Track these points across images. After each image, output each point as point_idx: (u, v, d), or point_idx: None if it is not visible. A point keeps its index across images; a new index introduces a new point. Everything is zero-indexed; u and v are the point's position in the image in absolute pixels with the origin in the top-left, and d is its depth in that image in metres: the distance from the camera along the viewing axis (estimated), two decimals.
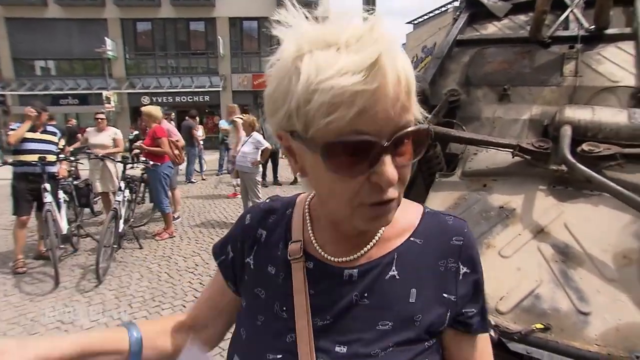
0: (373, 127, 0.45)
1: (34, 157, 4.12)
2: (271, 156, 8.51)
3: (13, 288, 3.85)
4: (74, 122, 13.59)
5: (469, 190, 1.67)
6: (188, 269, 4.35)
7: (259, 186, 5.82)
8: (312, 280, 0.60)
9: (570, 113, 1.65)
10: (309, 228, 0.64)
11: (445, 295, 0.59)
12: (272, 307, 0.62)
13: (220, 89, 20.11)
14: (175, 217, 6.08)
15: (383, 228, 0.61)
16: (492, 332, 1.10)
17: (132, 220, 5.32)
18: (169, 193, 5.57)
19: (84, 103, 20.04)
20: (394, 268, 0.59)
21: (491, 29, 2.65)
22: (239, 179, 6.04)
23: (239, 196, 6.35)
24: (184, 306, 3.48)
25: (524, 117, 1.91)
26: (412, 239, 0.62)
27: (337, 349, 0.55)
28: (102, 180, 5.34)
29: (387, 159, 0.46)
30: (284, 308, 0.60)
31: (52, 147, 4.36)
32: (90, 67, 20.38)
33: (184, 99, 20.32)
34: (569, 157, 1.46)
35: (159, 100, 19.94)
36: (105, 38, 18.74)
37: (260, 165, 9.35)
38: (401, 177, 0.49)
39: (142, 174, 5.56)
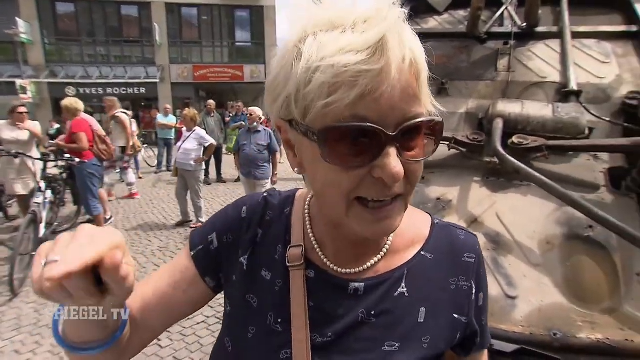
0: (376, 114, 0.41)
1: None
2: (214, 152, 8.25)
3: None
4: None
5: None
6: None
7: (201, 185, 5.61)
8: (313, 291, 0.55)
9: (502, 107, 1.77)
10: (310, 231, 0.59)
11: (456, 315, 0.57)
12: (265, 317, 0.56)
13: (158, 80, 18.96)
14: (107, 218, 5.65)
15: (391, 237, 0.58)
16: None
17: (56, 224, 4.85)
18: (97, 192, 5.12)
19: None
20: (403, 284, 0.56)
21: (432, 23, 2.77)
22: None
23: (177, 196, 5.80)
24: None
25: (460, 111, 2.01)
26: (422, 252, 0.58)
27: None
28: (22, 181, 4.76)
29: (392, 150, 0.42)
30: (279, 320, 0.55)
31: None
32: None
33: (116, 90, 18.81)
34: (500, 149, 1.57)
35: (87, 92, 18.34)
36: (17, 19, 16.76)
37: (203, 163, 9.12)
38: (409, 175, 0.45)
39: (62, 172, 4.99)
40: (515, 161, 1.50)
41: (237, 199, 0.68)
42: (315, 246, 0.58)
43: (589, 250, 1.34)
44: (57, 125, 8.08)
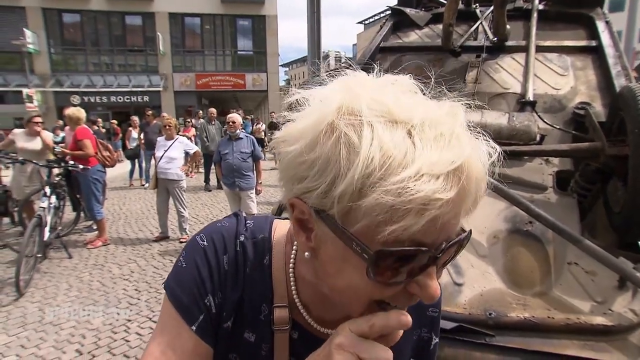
0: (431, 239, 0.38)
1: None
2: (207, 158, 8.33)
3: None
4: None
5: None
6: (123, 276, 4.27)
7: (184, 195, 5.31)
8: (296, 350, 0.55)
9: None
10: (294, 292, 0.56)
11: None
12: None
13: (161, 88, 19.42)
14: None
15: None
16: None
17: (60, 228, 5.07)
18: (101, 198, 5.35)
19: None
20: None
21: (413, 37, 2.99)
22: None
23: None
24: (118, 314, 3.44)
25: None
26: None
27: None
28: (32, 188, 5.01)
29: (433, 270, 0.41)
30: None
31: None
32: (6, 61, 18.64)
33: (120, 99, 19.34)
34: None
35: (92, 100, 18.81)
36: (24, 29, 17.27)
37: (203, 170, 9.27)
38: None
39: (61, 178, 4.97)
40: None
41: (209, 226, 0.61)
42: (298, 303, 0.56)
43: (527, 242, 1.54)
44: (62, 134, 8.34)
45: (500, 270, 1.48)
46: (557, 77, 2.21)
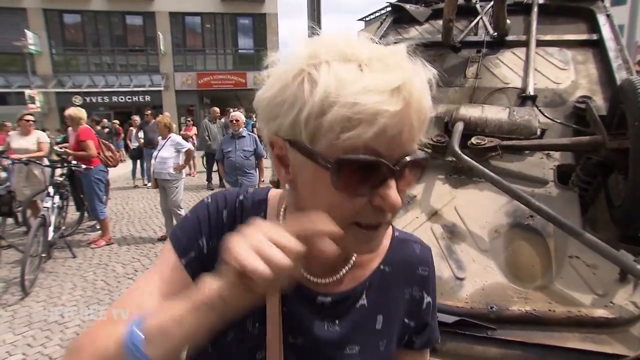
0: (386, 149, 0.45)
1: None
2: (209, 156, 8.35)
3: None
4: None
5: None
6: (127, 275, 4.31)
7: (181, 195, 5.23)
8: (286, 297, 0.60)
9: (463, 111, 1.97)
10: None
11: (406, 320, 0.66)
12: (244, 322, 0.60)
13: (162, 88, 19.45)
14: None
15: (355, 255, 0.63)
16: None
17: (64, 228, 5.12)
18: (104, 198, 5.39)
19: (1, 103, 18.41)
20: (364, 297, 0.63)
21: (413, 33, 2.98)
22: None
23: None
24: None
25: (431, 115, 2.21)
26: (382, 267, 0.65)
27: None
28: (30, 188, 5.08)
29: (393, 182, 0.47)
30: (256, 324, 0.60)
31: None
32: (7, 63, 18.70)
33: (121, 99, 19.38)
34: (456, 149, 1.77)
35: (94, 100, 18.86)
36: (26, 30, 17.33)
37: (205, 168, 9.29)
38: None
39: (64, 178, 5.08)
40: (469, 159, 1.70)
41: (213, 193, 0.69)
42: None
43: (528, 236, 1.54)
44: (63, 135, 8.40)
45: (502, 264, 1.49)
46: (558, 71, 2.20)
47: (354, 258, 0.64)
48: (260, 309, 0.59)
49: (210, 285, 0.45)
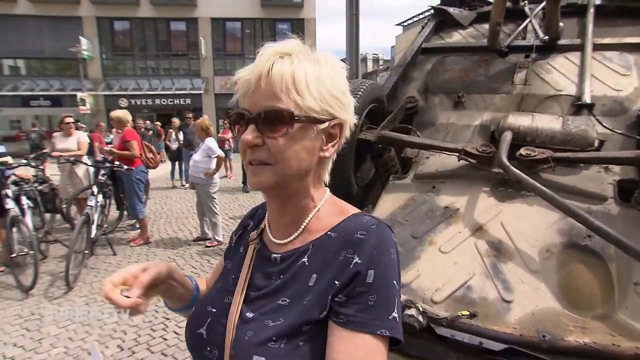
0: (248, 104, 0.67)
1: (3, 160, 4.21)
2: None
3: None
4: (38, 126, 13.58)
5: (419, 191, 1.85)
6: None
7: (215, 201, 5.29)
8: (257, 258, 0.78)
9: (512, 120, 1.85)
10: (267, 219, 0.82)
11: (336, 282, 0.65)
12: (229, 276, 0.80)
13: (202, 91, 20.18)
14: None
15: (308, 220, 0.74)
16: (420, 318, 1.27)
17: (106, 226, 5.38)
18: (144, 198, 5.61)
19: (56, 105, 19.83)
20: (306, 257, 0.71)
21: (456, 37, 2.87)
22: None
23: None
24: (157, 311, 3.58)
25: (475, 123, 2.10)
26: (329, 232, 0.72)
27: (248, 314, 0.70)
28: (73, 186, 5.41)
29: (251, 127, 0.67)
30: (234, 277, 0.79)
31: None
32: (63, 67, 20.20)
33: (164, 101, 20.30)
34: (504, 160, 1.66)
35: (138, 103, 19.88)
36: (80, 37, 18.62)
37: (243, 171, 9.46)
38: (271, 148, 0.66)
39: (107, 178, 5.22)
40: (518, 171, 1.59)
41: None
42: (267, 227, 0.81)
43: (585, 258, 1.41)
44: (111, 135, 8.87)
45: (555, 287, 1.36)
46: (618, 77, 2.02)
47: (304, 224, 0.75)
48: (240, 267, 0.78)
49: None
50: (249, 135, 0.66)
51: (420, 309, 1.30)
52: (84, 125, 11.26)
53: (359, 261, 0.65)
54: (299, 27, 20.63)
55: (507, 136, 1.78)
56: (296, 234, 0.75)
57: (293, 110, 0.65)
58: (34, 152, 6.38)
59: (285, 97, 0.65)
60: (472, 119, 2.13)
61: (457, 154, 1.82)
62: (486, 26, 2.75)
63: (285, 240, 0.75)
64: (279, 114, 0.65)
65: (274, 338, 0.64)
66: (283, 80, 0.65)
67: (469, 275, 1.45)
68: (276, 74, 0.64)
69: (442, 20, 2.99)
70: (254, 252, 0.78)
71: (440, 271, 1.49)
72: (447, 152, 1.88)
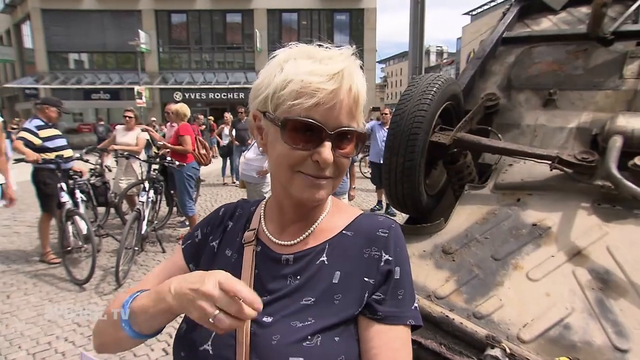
0: (323, 118, 0.65)
1: (63, 153, 4.45)
2: None
3: (33, 287, 4.13)
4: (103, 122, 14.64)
5: (500, 204, 1.64)
6: None
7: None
8: (259, 261, 0.77)
9: (623, 122, 1.58)
10: (263, 220, 0.82)
11: (366, 279, 0.72)
12: None
13: None
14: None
15: (318, 221, 0.78)
16: None
17: (156, 222, 5.55)
18: (194, 195, 5.71)
19: (115, 98, 21.42)
20: (324, 255, 0.75)
21: (545, 24, 2.53)
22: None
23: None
24: None
25: (570, 126, 1.85)
26: (344, 232, 0.77)
27: (265, 319, 0.69)
28: (127, 181, 5.65)
29: (328, 144, 0.66)
30: None
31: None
32: (123, 61, 21.76)
33: (217, 95, 21.13)
34: (614, 171, 1.40)
35: (192, 97, 20.87)
36: (139, 30, 19.91)
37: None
38: (338, 165, 0.69)
39: (158, 174, 5.35)
40: (634, 186, 1.35)
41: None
42: (265, 229, 0.80)
43: None
44: (165, 129, 9.27)
45: None
46: None
47: (316, 224, 0.78)
48: (236, 271, 0.74)
49: (169, 282, 0.63)
50: (329, 155, 0.66)
51: (507, 350, 1.12)
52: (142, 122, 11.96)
53: (389, 258, 0.73)
54: (358, 18, 20.46)
55: (617, 142, 1.51)
56: (307, 233, 0.77)
57: (361, 132, 0.70)
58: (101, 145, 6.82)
59: (356, 116, 0.69)
60: (567, 120, 1.88)
61: (550, 162, 1.58)
62: (583, 10, 2.40)
63: (295, 241, 0.77)
64: (353, 134, 0.69)
65: (308, 337, 0.66)
66: (359, 99, 0.68)
67: (566, 311, 1.23)
68: (355, 92, 0.67)
69: (527, 5, 2.67)
70: (254, 255, 0.78)
71: (529, 303, 1.28)
72: (536, 160, 1.65)
